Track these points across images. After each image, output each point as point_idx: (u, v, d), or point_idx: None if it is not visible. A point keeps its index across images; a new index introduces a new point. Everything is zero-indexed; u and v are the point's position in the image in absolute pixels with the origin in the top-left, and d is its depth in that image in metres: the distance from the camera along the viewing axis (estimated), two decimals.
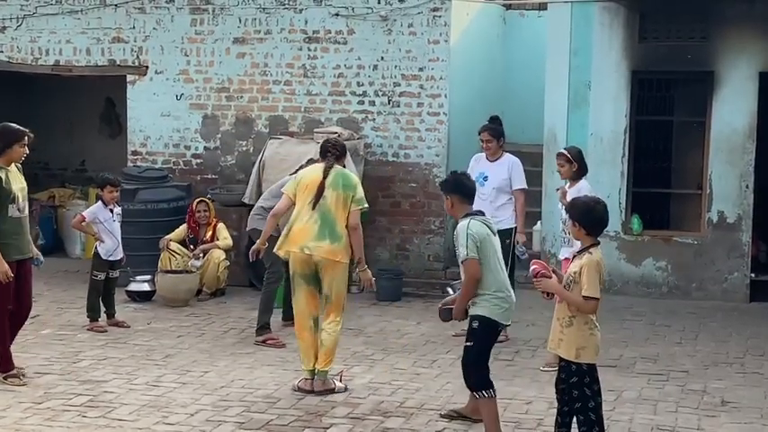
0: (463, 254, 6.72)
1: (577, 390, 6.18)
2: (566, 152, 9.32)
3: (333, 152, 8.22)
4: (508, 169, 9.95)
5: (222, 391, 8.03)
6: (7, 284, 7.86)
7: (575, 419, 6.27)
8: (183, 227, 11.94)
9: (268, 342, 9.48)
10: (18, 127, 8.13)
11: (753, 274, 12.14)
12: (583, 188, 9.18)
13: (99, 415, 7.38)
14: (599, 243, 6.22)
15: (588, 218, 6.19)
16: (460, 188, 7.02)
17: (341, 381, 8.21)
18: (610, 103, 12.23)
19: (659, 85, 12.36)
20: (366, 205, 8.21)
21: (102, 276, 10.24)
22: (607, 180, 11.98)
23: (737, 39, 11.88)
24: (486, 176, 9.88)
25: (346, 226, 8.02)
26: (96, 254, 10.31)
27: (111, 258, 10.28)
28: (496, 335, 6.99)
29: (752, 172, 11.94)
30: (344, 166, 8.44)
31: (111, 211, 10.30)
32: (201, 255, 11.65)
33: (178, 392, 7.98)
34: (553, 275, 6.24)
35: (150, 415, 7.42)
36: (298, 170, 9.35)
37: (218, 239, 11.84)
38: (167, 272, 11.52)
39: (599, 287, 6.08)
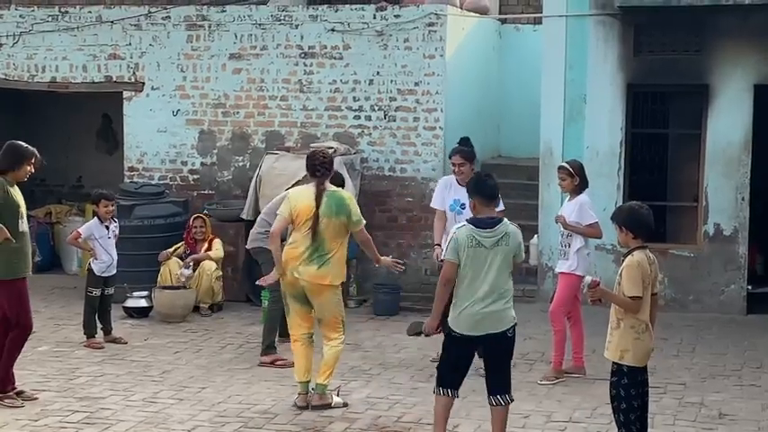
0: (445, 254, 6.82)
1: (614, 389, 6.40)
2: (567, 166, 9.35)
3: (322, 171, 8.02)
4: None
5: (219, 407, 8.03)
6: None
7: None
8: (181, 244, 11.96)
9: (276, 363, 9.36)
10: (28, 146, 8.22)
11: (749, 287, 12.14)
12: (584, 203, 9.20)
13: None
14: (646, 246, 6.43)
15: (635, 222, 6.42)
16: (482, 190, 6.93)
17: (338, 395, 8.21)
18: (605, 116, 12.25)
19: (654, 99, 12.38)
20: (364, 221, 8.19)
21: (97, 293, 10.24)
22: (603, 193, 11.98)
23: (732, 51, 11.91)
24: (464, 204, 9.05)
25: (355, 241, 8.14)
26: (90, 270, 10.31)
27: (105, 275, 10.28)
28: (465, 346, 6.90)
29: (748, 184, 11.95)
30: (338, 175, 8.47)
31: (107, 227, 10.30)
32: (191, 264, 11.65)
33: (175, 408, 7.98)
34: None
35: (147, 431, 7.41)
36: (293, 185, 9.26)
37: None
38: (164, 288, 11.52)
39: (640, 286, 6.28)
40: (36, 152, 8.19)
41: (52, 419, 7.65)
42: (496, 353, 6.94)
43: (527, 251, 12.62)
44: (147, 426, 7.53)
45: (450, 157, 9.59)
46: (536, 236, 12.47)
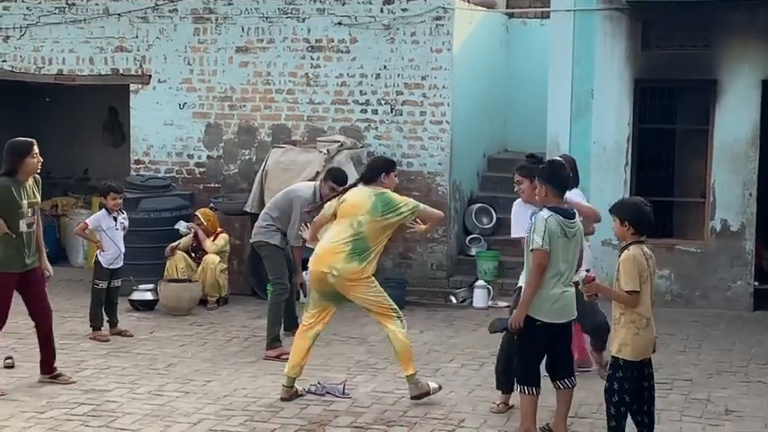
0: (537, 242, 6.74)
1: (608, 381, 6.49)
2: (561, 160, 9.21)
3: (379, 170, 8.13)
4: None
5: (225, 400, 8.03)
6: (10, 294, 8.11)
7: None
8: (189, 237, 11.95)
9: (282, 357, 9.25)
10: (23, 139, 8.20)
11: (756, 283, 12.12)
12: (575, 196, 9.02)
13: (102, 424, 7.38)
14: (643, 241, 6.49)
15: (638, 217, 6.49)
16: (555, 179, 6.93)
17: (344, 390, 8.17)
18: (612, 111, 12.23)
19: (662, 94, 12.35)
20: (417, 206, 8.09)
21: (103, 285, 10.24)
22: (610, 188, 11.96)
23: (740, 47, 11.87)
24: None
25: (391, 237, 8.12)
26: (97, 262, 10.31)
27: (112, 267, 10.28)
28: (545, 335, 6.84)
29: (755, 180, 11.92)
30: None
31: (115, 219, 10.31)
32: (190, 227, 11.80)
33: (181, 401, 7.98)
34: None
35: (153, 424, 7.41)
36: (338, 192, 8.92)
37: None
38: (170, 281, 11.53)
39: (637, 280, 6.34)
40: (34, 142, 8.16)
41: (58, 412, 7.65)
42: (565, 338, 6.99)
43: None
44: (152, 418, 7.53)
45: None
46: None
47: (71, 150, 15.95)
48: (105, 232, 10.23)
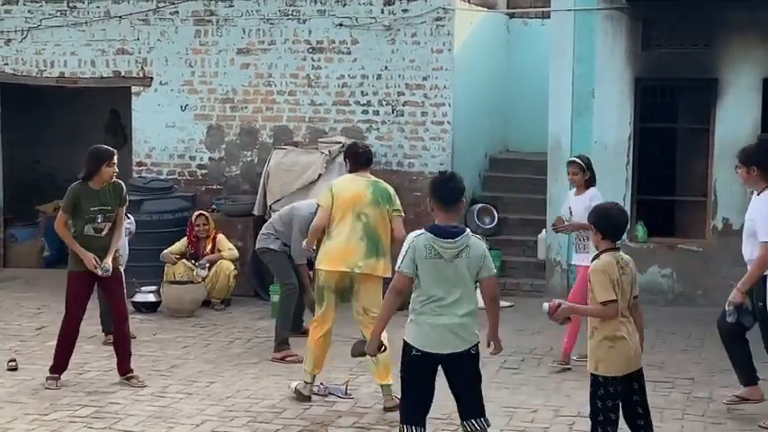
0: (397, 263, 6.13)
1: (591, 400, 6.11)
2: (579, 160, 9.39)
3: (370, 158, 8.19)
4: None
5: (228, 402, 8.04)
6: (79, 292, 8.50)
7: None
8: (183, 241, 11.93)
9: (287, 359, 9.30)
10: (105, 147, 8.56)
11: None
12: (597, 196, 9.19)
13: (105, 426, 7.39)
14: (617, 249, 6.14)
15: (604, 222, 6.13)
16: (438, 192, 6.08)
17: (347, 391, 8.19)
18: (613, 110, 12.24)
19: (663, 93, 12.36)
20: (403, 214, 8.12)
21: None
22: (611, 188, 11.95)
23: (741, 46, 11.88)
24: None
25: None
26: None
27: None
28: (425, 364, 6.11)
29: None
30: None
31: None
32: (207, 265, 11.67)
33: (184, 403, 7.99)
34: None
35: (156, 426, 7.43)
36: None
37: (219, 251, 11.81)
38: (172, 282, 11.54)
39: (611, 289, 5.96)
40: (114, 151, 8.49)
41: (61, 414, 7.67)
42: (465, 373, 6.13)
43: (535, 246, 12.68)
44: (155, 420, 7.55)
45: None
46: (544, 231, 12.47)
47: (73, 153, 15.94)
48: None
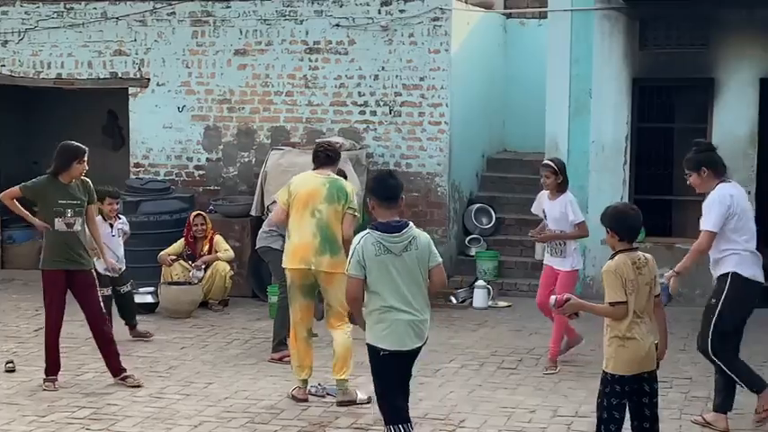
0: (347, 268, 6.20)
1: (599, 398, 6.18)
2: (552, 163, 9.25)
3: (332, 156, 8.16)
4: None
5: (226, 403, 8.04)
6: (54, 291, 8.39)
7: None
8: (180, 241, 11.90)
9: (284, 360, 9.28)
10: (77, 144, 8.51)
11: None
12: (572, 201, 9.16)
13: (103, 428, 7.39)
14: (634, 249, 6.16)
15: (621, 225, 6.14)
16: (377, 190, 6.23)
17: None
18: (611, 110, 12.24)
19: (660, 93, 12.37)
20: (357, 214, 8.11)
21: (105, 291, 10.08)
22: (609, 187, 11.99)
23: (738, 45, 11.89)
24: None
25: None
26: (95, 269, 10.24)
27: (110, 274, 10.13)
28: (395, 363, 6.17)
29: (754, 178, 11.92)
30: (340, 171, 8.44)
31: (111, 225, 10.25)
32: (203, 266, 11.67)
33: (182, 404, 7.99)
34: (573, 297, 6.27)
35: (154, 427, 7.43)
36: None
37: (216, 251, 11.80)
38: (170, 283, 11.54)
39: (620, 291, 6.01)
40: (86, 149, 8.49)
41: (59, 415, 7.66)
42: (410, 369, 6.27)
43: (533, 246, 12.67)
44: (153, 421, 7.55)
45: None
46: None
47: None
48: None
